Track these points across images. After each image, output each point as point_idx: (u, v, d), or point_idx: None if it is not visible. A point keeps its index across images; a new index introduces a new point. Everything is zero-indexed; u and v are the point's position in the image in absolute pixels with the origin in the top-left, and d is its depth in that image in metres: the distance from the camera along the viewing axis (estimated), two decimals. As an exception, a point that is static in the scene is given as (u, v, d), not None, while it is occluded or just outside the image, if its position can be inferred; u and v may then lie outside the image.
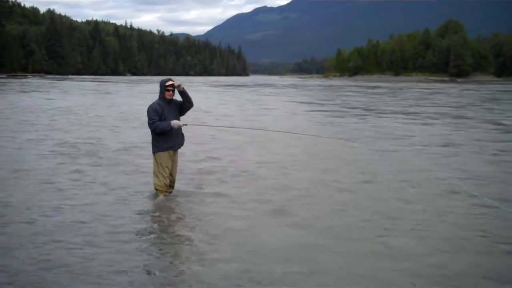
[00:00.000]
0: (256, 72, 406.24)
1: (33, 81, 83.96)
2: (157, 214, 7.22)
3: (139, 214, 7.19)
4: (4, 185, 8.73)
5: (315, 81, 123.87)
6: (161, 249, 5.81)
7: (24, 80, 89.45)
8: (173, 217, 7.11)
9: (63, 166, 10.56)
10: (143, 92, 49.66)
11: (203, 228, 6.59)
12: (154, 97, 8.17)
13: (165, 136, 7.83)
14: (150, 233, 6.42)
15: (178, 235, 6.35)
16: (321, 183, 9.26)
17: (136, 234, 6.31)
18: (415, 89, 64.97)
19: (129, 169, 10.32)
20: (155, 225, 6.75)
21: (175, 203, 7.75)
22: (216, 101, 35.93)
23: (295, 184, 9.12)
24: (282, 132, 13.92)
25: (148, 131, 8.04)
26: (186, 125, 8.03)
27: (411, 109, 29.00)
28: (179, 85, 7.92)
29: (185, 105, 8.12)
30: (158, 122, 7.71)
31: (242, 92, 55.56)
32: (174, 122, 7.77)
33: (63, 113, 23.59)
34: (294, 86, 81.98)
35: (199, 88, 62.30)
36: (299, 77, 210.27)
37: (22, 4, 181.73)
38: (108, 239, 6.04)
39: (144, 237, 6.24)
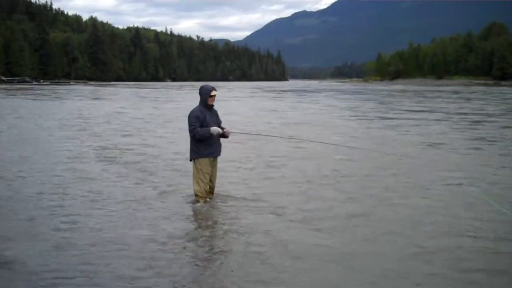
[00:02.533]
0: (295, 77, 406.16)
1: (82, 88, 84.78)
2: (197, 220, 7.25)
3: (179, 220, 7.21)
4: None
5: (370, 85, 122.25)
6: (205, 257, 5.78)
7: (70, 87, 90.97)
8: (212, 222, 7.12)
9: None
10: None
11: (244, 235, 6.52)
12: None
13: (205, 142, 7.85)
14: (190, 239, 6.39)
15: (217, 242, 6.32)
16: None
17: (176, 241, 6.29)
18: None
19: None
20: (195, 232, 6.72)
21: (215, 209, 7.77)
22: (293, 112, 30.96)
23: (323, 195, 9.06)
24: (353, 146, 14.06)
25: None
26: (226, 131, 8.03)
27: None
28: (226, 131, 8.03)
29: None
30: (198, 129, 7.73)
31: (304, 98, 52.65)
32: (214, 129, 7.77)
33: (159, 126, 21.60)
34: (355, 92, 74.00)
35: (252, 95, 59.96)
36: (338, 81, 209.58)
37: (66, 12, 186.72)
38: (143, 247, 6.02)
39: (184, 243, 6.21)
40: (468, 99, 45.91)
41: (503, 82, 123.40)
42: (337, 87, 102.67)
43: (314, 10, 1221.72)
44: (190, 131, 7.80)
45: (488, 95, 54.56)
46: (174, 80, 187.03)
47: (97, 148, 14.32)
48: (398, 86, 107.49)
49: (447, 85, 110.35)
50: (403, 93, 65.38)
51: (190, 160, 8.10)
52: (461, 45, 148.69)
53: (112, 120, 23.47)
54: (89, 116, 25.93)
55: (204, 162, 7.91)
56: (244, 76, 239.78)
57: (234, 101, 42.83)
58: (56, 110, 30.53)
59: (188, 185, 8.78)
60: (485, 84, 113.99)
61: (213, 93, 7.89)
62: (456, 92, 65.13)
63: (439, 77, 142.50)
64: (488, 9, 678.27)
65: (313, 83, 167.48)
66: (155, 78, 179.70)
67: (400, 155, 12.64)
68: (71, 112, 28.72)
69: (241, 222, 7.07)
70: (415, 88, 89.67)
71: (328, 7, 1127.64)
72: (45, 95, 52.51)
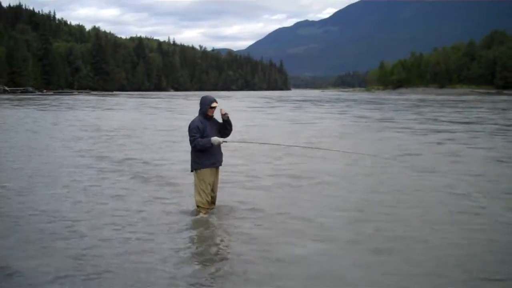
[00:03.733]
0: (298, 86, 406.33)
1: (87, 98, 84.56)
2: (198, 231, 7.23)
3: (179, 232, 7.20)
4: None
5: (376, 95, 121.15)
6: (204, 266, 5.80)
7: (75, 97, 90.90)
8: (215, 234, 7.11)
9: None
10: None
11: (246, 246, 6.52)
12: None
13: (207, 153, 7.83)
14: (192, 252, 6.40)
15: (219, 253, 6.32)
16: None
17: (176, 252, 6.28)
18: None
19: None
20: (197, 244, 6.71)
21: (217, 220, 7.74)
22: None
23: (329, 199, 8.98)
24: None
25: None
26: (226, 141, 8.03)
27: None
28: (225, 114, 7.93)
29: (227, 130, 8.10)
30: (199, 139, 7.71)
31: (325, 108, 50.74)
32: (215, 139, 7.73)
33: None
34: (372, 101, 70.42)
35: (268, 105, 58.38)
36: (341, 91, 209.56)
37: (69, 22, 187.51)
38: (145, 259, 6.02)
39: (185, 255, 6.21)
40: (504, 109, 44.82)
41: (505, 91, 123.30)
42: (347, 97, 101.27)
43: (316, 19, 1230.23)
44: (191, 141, 7.80)
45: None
46: (177, 89, 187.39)
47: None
48: (412, 95, 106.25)
49: (455, 94, 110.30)
50: (424, 102, 64.26)
51: (192, 171, 8.06)
52: (463, 54, 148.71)
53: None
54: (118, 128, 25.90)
55: (206, 172, 7.89)
56: (246, 85, 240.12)
57: (255, 112, 41.27)
58: (91, 121, 30.53)
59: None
60: (487, 93, 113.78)
61: (213, 104, 7.88)
62: (481, 101, 64.79)
63: (441, 86, 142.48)
64: (490, 17, 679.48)
65: (317, 93, 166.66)
66: (158, 88, 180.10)
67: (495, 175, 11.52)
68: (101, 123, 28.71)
69: (243, 234, 7.06)
70: (430, 97, 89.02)
71: (330, 16, 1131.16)
72: (53, 105, 52.29)
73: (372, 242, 6.60)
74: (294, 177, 11.25)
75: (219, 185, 8.34)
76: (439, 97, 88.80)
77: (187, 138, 7.83)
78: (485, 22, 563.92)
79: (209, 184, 7.92)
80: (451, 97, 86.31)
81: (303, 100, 76.69)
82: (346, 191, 9.80)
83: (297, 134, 21.04)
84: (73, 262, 5.85)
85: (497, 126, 25.67)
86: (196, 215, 7.90)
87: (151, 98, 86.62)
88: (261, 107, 51.45)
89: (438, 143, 18.10)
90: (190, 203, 8.42)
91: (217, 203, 8.27)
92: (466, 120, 30.93)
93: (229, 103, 60.25)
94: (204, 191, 7.87)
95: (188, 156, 8.20)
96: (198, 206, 7.96)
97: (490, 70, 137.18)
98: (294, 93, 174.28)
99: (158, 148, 16.89)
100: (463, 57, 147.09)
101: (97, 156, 14.72)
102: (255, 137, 18.68)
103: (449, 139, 19.41)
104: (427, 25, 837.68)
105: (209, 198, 7.97)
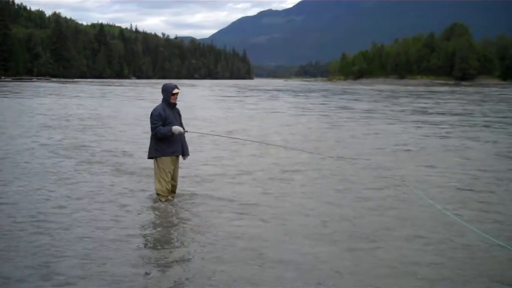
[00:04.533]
0: (261, 75, 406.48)
1: (49, 85, 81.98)
2: (159, 219, 7.25)
3: (140, 219, 7.20)
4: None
5: (339, 85, 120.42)
6: (156, 251, 5.86)
7: (36, 83, 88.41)
8: (173, 221, 7.12)
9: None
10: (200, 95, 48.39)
11: (205, 232, 6.60)
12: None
13: (168, 141, 7.82)
14: (151, 238, 6.46)
15: (178, 240, 6.39)
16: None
17: (137, 240, 6.33)
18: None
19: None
20: (156, 231, 6.75)
21: (177, 208, 7.76)
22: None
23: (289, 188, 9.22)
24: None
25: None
26: (187, 131, 8.06)
27: None
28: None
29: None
30: (160, 127, 7.72)
31: (302, 98, 49.18)
32: (175, 128, 7.76)
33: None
34: (345, 92, 68.48)
35: (241, 94, 57.06)
36: (304, 80, 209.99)
37: (28, 8, 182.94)
38: (109, 246, 6.06)
39: (145, 242, 6.30)
40: (483, 101, 44.94)
41: (463, 83, 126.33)
42: (316, 87, 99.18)
43: (280, 9, 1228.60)
44: (152, 129, 7.79)
45: (484, 96, 54.81)
46: (139, 77, 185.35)
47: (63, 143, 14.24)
48: (376, 85, 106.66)
49: (416, 85, 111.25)
50: (397, 93, 63.97)
51: (150, 158, 8.06)
52: (423, 45, 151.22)
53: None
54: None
55: (166, 160, 7.86)
56: (209, 74, 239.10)
57: (235, 103, 39.94)
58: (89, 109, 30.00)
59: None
60: (447, 84, 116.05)
61: (175, 91, 7.87)
62: (453, 92, 66.03)
63: (402, 76, 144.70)
64: (450, 10, 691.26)
65: (281, 82, 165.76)
66: (120, 75, 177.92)
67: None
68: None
69: (202, 221, 7.13)
70: (397, 88, 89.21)
71: (294, 6, 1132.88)
72: (15, 92, 50.41)
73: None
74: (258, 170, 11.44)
75: (179, 173, 8.40)
76: (409, 88, 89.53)
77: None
78: (446, 15, 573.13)
79: (169, 172, 7.92)
80: (420, 88, 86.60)
81: (276, 90, 75.88)
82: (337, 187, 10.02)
83: (315, 134, 18.75)
84: (34, 250, 5.91)
85: (489, 118, 25.79)
86: (156, 202, 7.92)
87: (115, 86, 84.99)
88: (238, 97, 49.72)
89: (440, 136, 17.76)
90: (150, 190, 8.49)
91: (177, 191, 8.31)
92: (455, 111, 30.78)
93: (200, 92, 59.39)
94: (164, 179, 7.87)
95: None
96: (158, 194, 7.98)
97: (449, 61, 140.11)
98: (259, 82, 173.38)
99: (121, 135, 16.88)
100: (423, 48, 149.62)
101: (56, 145, 14.59)
102: (257, 135, 17.15)
103: (447, 132, 19.09)
104: (388, 16, 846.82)
105: (169, 186, 7.98)
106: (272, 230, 6.75)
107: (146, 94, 49.86)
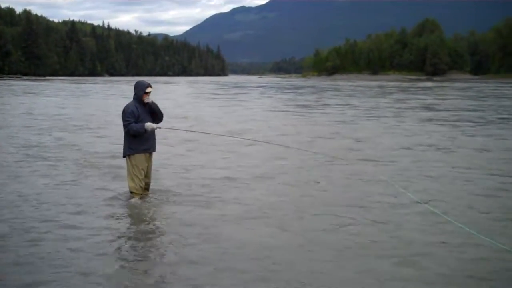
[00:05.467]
0: (235, 72, 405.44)
1: (22, 83, 79.39)
2: (132, 217, 7.27)
3: (113, 217, 7.18)
4: None
5: (314, 81, 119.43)
6: (130, 247, 5.92)
7: (7, 81, 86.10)
8: (145, 219, 7.13)
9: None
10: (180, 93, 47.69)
11: (179, 230, 6.62)
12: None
13: (140, 138, 7.80)
14: (125, 236, 6.45)
15: (153, 238, 6.40)
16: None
17: (111, 238, 6.31)
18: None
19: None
20: (130, 228, 6.77)
21: (151, 205, 7.75)
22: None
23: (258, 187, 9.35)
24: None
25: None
26: (159, 128, 8.05)
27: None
28: (151, 101, 7.95)
29: (158, 115, 8.12)
30: (133, 124, 7.69)
31: (291, 95, 47.80)
32: (148, 125, 7.74)
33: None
34: (329, 88, 65.84)
35: (227, 92, 55.07)
36: (278, 77, 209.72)
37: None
38: (82, 244, 6.05)
39: (119, 241, 6.26)
40: (480, 96, 43.95)
41: (435, 78, 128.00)
42: (298, 83, 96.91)
43: (253, 5, 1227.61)
44: (125, 126, 7.75)
45: (478, 92, 54.39)
46: (112, 75, 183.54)
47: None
48: (356, 81, 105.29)
49: (390, 80, 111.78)
50: (384, 88, 63.57)
51: (124, 156, 8.00)
52: (395, 41, 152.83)
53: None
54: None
55: (139, 158, 7.83)
56: (183, 71, 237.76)
57: (228, 101, 38.48)
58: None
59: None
60: (418, 80, 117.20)
61: (148, 89, 7.83)
62: (443, 87, 66.42)
63: (375, 72, 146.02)
64: (422, 6, 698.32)
65: (255, 79, 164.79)
66: (93, 73, 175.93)
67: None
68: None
69: (176, 218, 7.17)
70: (382, 83, 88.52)
71: (267, 2, 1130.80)
72: None
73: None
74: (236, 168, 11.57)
75: (153, 170, 8.38)
76: (390, 83, 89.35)
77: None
78: (417, 10, 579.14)
79: (143, 170, 7.89)
80: (405, 84, 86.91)
81: (260, 87, 74.55)
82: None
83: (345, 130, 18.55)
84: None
85: (502, 115, 25.23)
86: (129, 199, 7.89)
87: (91, 83, 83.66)
88: (227, 95, 48.40)
89: (463, 133, 17.48)
90: (123, 188, 8.44)
91: (151, 188, 8.30)
92: (461, 107, 30.39)
93: (184, 90, 58.79)
94: (137, 177, 7.84)
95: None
96: (131, 192, 7.93)
97: (421, 57, 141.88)
98: (234, 79, 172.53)
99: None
100: (395, 44, 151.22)
101: (31, 145, 14.52)
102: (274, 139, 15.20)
103: (464, 130, 18.72)
104: (362, 13, 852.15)
105: (143, 184, 7.95)
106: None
107: (128, 92, 48.09)
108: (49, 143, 14.62)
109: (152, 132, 7.94)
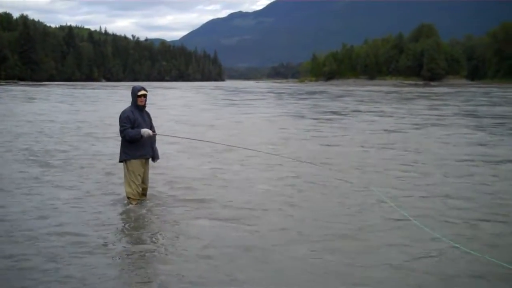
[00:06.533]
0: (232, 77, 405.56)
1: (21, 88, 78.85)
2: (128, 222, 7.24)
3: (110, 223, 7.17)
4: None
5: (319, 86, 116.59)
6: (131, 260, 5.87)
7: (4, 87, 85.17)
8: (143, 223, 7.13)
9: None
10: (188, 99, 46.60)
11: (175, 235, 6.63)
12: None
13: (137, 143, 7.78)
14: (121, 242, 6.44)
15: (149, 243, 6.37)
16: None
17: (106, 245, 6.28)
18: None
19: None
20: (126, 234, 6.74)
21: (148, 211, 7.73)
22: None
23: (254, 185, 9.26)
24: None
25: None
26: (155, 134, 8.06)
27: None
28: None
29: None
30: (129, 130, 7.68)
31: (300, 101, 45.84)
32: (144, 131, 7.72)
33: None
34: (342, 94, 61.96)
35: (236, 97, 53.25)
36: (275, 82, 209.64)
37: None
38: (75, 251, 6.00)
39: (115, 247, 6.25)
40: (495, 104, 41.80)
41: (432, 83, 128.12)
42: (301, 89, 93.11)
43: (250, 11, 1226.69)
44: (121, 131, 7.76)
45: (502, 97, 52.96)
46: (109, 80, 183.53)
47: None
48: (353, 87, 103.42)
49: (388, 85, 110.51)
50: (400, 94, 61.17)
51: (120, 162, 8.01)
52: (392, 46, 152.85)
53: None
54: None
55: (135, 163, 7.82)
56: (181, 76, 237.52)
57: (252, 107, 36.36)
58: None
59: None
60: (416, 85, 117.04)
61: (140, 92, 7.82)
62: (458, 93, 63.62)
63: (372, 77, 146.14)
64: (418, 11, 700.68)
65: (252, 84, 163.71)
66: (90, 78, 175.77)
67: None
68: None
69: (174, 224, 7.16)
70: (382, 88, 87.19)
71: (264, 8, 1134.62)
72: None
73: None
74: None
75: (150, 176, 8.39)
76: (392, 88, 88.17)
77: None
78: (414, 16, 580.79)
79: (139, 175, 7.87)
80: (413, 89, 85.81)
81: (269, 92, 72.48)
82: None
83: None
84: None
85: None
86: (127, 206, 7.86)
87: (90, 89, 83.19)
88: (243, 101, 46.23)
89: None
90: (121, 194, 8.44)
91: (148, 194, 8.30)
92: (503, 114, 29.16)
93: (193, 97, 56.47)
94: (134, 182, 7.83)
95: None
96: (128, 198, 7.92)
97: (418, 62, 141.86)
98: (233, 83, 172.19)
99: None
100: (392, 49, 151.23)
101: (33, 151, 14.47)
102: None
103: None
104: (358, 17, 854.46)
105: (140, 190, 7.94)
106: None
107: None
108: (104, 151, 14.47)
109: (149, 138, 7.89)
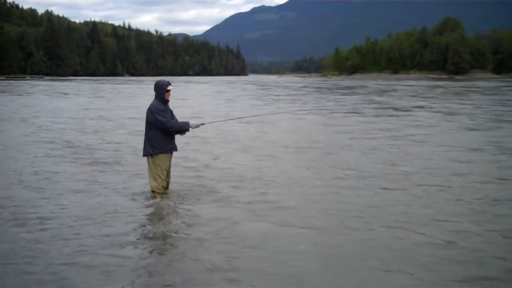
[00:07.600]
0: (255, 71, 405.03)
1: (49, 83, 79.01)
2: (153, 215, 7.25)
3: (133, 215, 7.18)
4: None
5: (338, 81, 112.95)
6: (160, 252, 5.90)
7: (32, 82, 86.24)
8: (170, 218, 7.10)
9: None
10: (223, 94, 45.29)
11: (200, 228, 6.61)
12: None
13: (167, 137, 7.75)
14: (151, 236, 6.43)
15: (172, 236, 6.38)
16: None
17: (137, 238, 6.31)
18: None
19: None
20: (155, 228, 6.73)
21: (173, 204, 7.70)
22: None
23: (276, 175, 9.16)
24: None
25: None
26: (203, 124, 8.10)
27: None
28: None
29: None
30: (174, 122, 7.67)
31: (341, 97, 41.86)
32: (193, 123, 7.81)
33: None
34: (381, 90, 55.93)
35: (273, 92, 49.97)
36: (298, 76, 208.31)
37: (20, 6, 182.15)
38: (103, 245, 6.04)
39: (146, 240, 6.28)
40: None
41: (457, 77, 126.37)
42: (332, 83, 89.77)
43: (273, 5, 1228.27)
44: (165, 123, 7.57)
45: None
46: (132, 75, 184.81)
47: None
48: (379, 81, 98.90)
49: (412, 79, 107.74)
50: (436, 89, 56.34)
51: (145, 156, 7.90)
52: (416, 40, 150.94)
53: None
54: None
55: (163, 158, 7.79)
56: (204, 71, 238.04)
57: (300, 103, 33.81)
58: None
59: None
60: (440, 79, 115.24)
61: (169, 87, 7.78)
62: (490, 88, 57.87)
63: (395, 71, 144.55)
64: (442, 4, 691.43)
65: (275, 79, 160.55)
66: (114, 73, 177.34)
67: None
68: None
69: (197, 216, 7.13)
70: (420, 83, 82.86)
71: (287, 2, 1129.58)
72: (29, 92, 48.10)
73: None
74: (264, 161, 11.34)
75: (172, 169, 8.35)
76: (441, 83, 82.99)
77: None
78: (438, 9, 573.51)
79: (165, 170, 7.86)
80: (440, 83, 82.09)
81: (303, 87, 68.54)
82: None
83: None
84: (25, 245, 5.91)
85: None
86: (151, 199, 7.85)
87: (117, 83, 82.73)
88: (289, 96, 43.15)
89: None
90: (145, 187, 8.41)
91: (170, 187, 8.27)
92: None
93: (233, 92, 52.64)
94: (160, 176, 7.81)
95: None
96: (153, 191, 7.92)
97: (442, 56, 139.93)
98: (257, 78, 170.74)
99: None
100: (416, 43, 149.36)
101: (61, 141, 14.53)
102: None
103: None
104: (381, 11, 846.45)
105: (165, 184, 7.94)
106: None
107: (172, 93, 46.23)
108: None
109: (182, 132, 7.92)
